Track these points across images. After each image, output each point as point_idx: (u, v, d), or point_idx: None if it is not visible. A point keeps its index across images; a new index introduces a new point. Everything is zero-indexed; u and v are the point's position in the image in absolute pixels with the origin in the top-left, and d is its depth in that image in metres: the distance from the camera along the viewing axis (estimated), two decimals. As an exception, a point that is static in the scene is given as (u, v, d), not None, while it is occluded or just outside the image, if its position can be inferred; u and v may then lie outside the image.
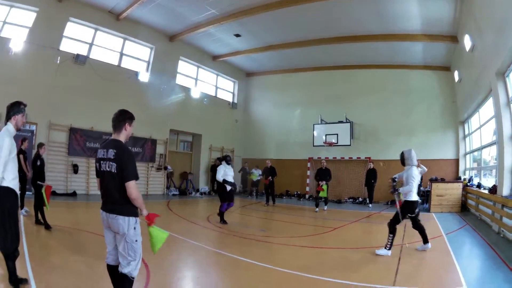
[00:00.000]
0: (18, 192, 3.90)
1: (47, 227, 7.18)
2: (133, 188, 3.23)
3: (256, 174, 18.29)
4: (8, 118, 3.95)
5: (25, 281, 3.91)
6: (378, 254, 6.40)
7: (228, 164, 9.68)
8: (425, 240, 6.77)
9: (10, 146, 3.74)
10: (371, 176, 15.54)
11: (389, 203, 16.32)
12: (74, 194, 13.43)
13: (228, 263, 5.79)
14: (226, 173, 9.42)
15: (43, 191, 7.43)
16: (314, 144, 18.99)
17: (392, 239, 6.46)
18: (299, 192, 19.41)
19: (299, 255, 6.48)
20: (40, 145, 8.15)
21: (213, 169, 19.42)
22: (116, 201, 3.29)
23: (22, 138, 8.33)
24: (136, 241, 3.33)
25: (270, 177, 15.15)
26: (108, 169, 3.28)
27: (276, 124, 21.33)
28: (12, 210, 3.80)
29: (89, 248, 5.89)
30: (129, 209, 3.31)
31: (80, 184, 13.96)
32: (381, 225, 10.43)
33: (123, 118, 3.45)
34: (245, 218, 9.24)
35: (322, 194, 13.51)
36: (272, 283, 4.79)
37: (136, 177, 3.29)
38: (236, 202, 15.77)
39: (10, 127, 3.91)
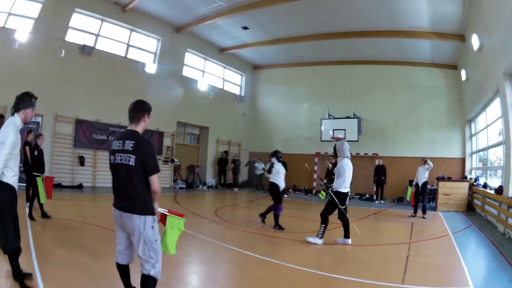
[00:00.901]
0: (16, 186, 3.74)
1: (30, 216, 7.11)
2: (157, 182, 3.05)
3: (259, 167, 18.15)
4: (17, 110, 3.73)
5: (29, 275, 3.79)
6: (309, 241, 6.75)
7: (279, 161, 8.54)
8: (347, 235, 6.98)
9: (13, 143, 3.54)
10: (380, 172, 15.36)
11: (396, 200, 16.23)
12: (80, 186, 13.42)
13: (238, 258, 5.81)
14: (278, 171, 8.37)
15: (38, 181, 7.31)
16: (322, 139, 18.88)
17: (324, 229, 6.82)
18: (306, 187, 19.28)
19: (308, 251, 6.42)
20: (38, 135, 8.03)
21: (219, 162, 19.42)
22: (130, 197, 3.02)
23: (27, 130, 7.98)
24: (156, 240, 3.09)
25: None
26: (124, 162, 3.00)
27: (283, 118, 21.20)
28: (11, 207, 3.64)
29: (96, 242, 5.86)
30: (146, 207, 3.05)
31: (86, 176, 13.94)
32: (389, 222, 10.63)
33: (142, 108, 3.23)
34: (252, 213, 9.12)
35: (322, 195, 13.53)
36: (283, 279, 4.75)
37: (158, 170, 3.07)
38: (242, 197, 15.87)
39: (18, 120, 3.70)
